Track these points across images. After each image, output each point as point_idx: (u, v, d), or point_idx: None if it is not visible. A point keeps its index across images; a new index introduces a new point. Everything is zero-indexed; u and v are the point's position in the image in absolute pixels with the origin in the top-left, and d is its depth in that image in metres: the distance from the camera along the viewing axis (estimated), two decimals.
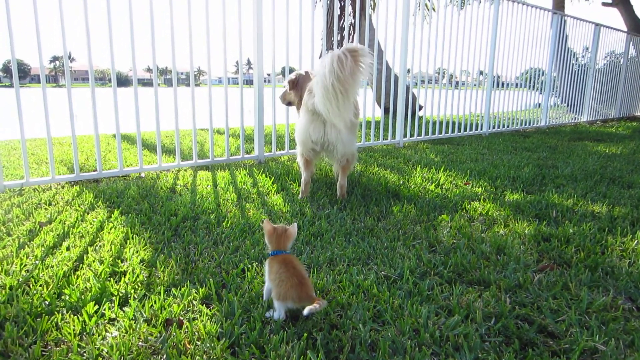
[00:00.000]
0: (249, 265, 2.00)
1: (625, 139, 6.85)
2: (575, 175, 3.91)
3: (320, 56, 4.93)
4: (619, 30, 10.03)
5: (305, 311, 1.45)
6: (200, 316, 1.59)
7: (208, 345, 1.41)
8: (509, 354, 1.38)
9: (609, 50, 10.03)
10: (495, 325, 1.54)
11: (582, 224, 2.59)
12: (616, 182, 3.70)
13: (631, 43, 10.54)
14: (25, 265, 1.99)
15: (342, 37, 9.00)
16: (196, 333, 1.49)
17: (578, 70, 9.39)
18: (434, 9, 10.39)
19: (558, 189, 3.42)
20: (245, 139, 5.62)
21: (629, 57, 10.70)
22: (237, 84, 4.51)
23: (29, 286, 1.80)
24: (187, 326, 1.52)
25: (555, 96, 9.54)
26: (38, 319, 1.54)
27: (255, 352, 1.38)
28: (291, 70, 4.86)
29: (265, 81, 4.66)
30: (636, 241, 2.32)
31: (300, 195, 3.16)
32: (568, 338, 1.48)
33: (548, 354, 1.40)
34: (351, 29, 10.99)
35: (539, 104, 8.73)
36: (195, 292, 1.76)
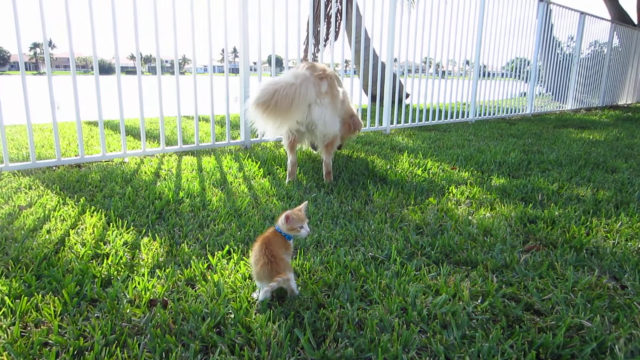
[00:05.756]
0: (235, 247, 1.97)
1: (609, 126, 6.93)
2: (560, 161, 3.94)
3: (305, 42, 4.86)
4: (603, 19, 10.10)
5: (261, 296, 1.44)
6: (185, 297, 1.57)
7: (193, 324, 1.39)
8: (496, 330, 1.38)
9: (593, 40, 10.11)
10: (483, 304, 1.54)
11: (568, 206, 2.61)
12: (600, 167, 3.74)
13: (615, 32, 10.63)
14: (4, 248, 1.93)
15: (329, 25, 8.93)
16: (181, 313, 1.46)
17: (563, 59, 9.45)
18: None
19: (543, 174, 3.45)
20: (230, 126, 5.56)
21: (613, 46, 10.80)
22: (223, 72, 4.43)
23: (8, 269, 1.75)
24: (171, 306, 1.49)
25: (541, 85, 9.60)
26: (17, 300, 1.49)
27: (241, 331, 1.36)
28: (277, 59, 4.79)
29: (251, 69, 4.58)
30: (620, 223, 2.35)
31: (287, 178, 3.13)
32: (554, 315, 1.49)
33: (535, 331, 1.40)
34: (338, 15, 10.92)
35: (524, 93, 8.78)
36: (180, 273, 1.73)
